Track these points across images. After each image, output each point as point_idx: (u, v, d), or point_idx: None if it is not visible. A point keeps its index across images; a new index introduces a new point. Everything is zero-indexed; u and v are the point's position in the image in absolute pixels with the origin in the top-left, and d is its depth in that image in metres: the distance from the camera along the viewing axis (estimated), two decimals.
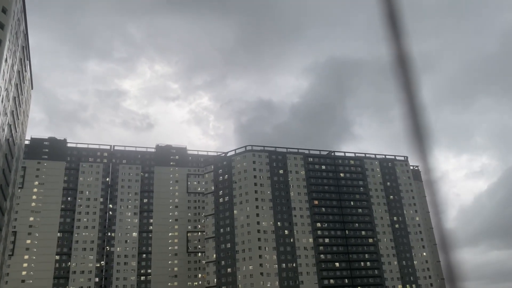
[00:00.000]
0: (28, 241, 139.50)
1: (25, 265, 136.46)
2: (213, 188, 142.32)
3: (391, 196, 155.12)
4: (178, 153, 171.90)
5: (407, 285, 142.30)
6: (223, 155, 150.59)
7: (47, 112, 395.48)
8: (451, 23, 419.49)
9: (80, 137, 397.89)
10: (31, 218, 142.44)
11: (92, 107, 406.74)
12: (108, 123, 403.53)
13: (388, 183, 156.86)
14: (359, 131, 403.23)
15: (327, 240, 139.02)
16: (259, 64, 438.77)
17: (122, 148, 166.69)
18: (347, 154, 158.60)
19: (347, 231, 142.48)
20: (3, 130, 71.46)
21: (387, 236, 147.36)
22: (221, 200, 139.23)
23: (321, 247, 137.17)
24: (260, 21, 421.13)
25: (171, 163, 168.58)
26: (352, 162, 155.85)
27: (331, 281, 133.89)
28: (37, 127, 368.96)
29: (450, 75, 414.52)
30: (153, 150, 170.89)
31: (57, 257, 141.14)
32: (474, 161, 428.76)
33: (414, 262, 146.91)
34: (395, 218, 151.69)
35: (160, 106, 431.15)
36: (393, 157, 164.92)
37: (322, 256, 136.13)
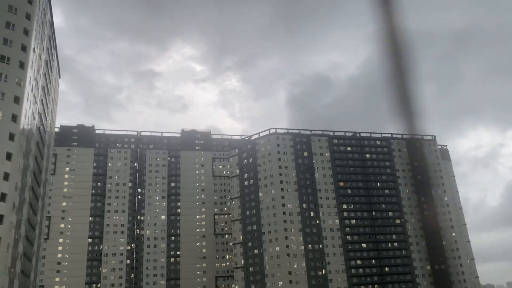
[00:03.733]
0: (62, 225, 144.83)
1: (60, 248, 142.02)
2: (238, 171, 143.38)
3: (419, 176, 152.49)
4: (203, 138, 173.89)
5: (436, 266, 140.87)
6: (247, 138, 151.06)
7: (83, 95, 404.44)
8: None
9: (116, 120, 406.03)
10: (64, 203, 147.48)
11: (127, 89, 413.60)
12: (142, 105, 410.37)
13: (416, 163, 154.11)
14: (415, 107, 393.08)
15: (353, 221, 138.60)
16: (295, 39, 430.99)
17: (149, 134, 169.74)
18: (373, 135, 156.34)
19: (373, 212, 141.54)
20: (34, 118, 73.64)
21: (414, 217, 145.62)
22: (246, 183, 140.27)
23: (347, 228, 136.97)
24: None
25: (196, 147, 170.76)
26: (378, 142, 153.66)
27: (358, 261, 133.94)
28: (73, 110, 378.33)
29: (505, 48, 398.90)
30: (178, 135, 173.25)
31: (90, 241, 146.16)
32: None
33: (443, 242, 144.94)
34: (422, 199, 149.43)
35: (191, 88, 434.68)
36: (420, 136, 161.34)
37: (348, 237, 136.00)
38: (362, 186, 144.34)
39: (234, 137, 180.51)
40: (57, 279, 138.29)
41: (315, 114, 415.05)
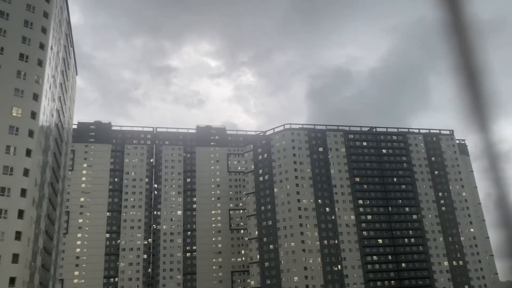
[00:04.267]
0: (80, 220, 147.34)
1: (78, 242, 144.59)
2: (253, 167, 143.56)
3: (436, 172, 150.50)
4: (218, 133, 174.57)
5: (454, 262, 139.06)
6: (261, 134, 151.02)
7: (101, 91, 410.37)
8: None
9: (133, 116, 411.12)
10: (82, 199, 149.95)
11: (144, 85, 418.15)
12: (159, 100, 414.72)
13: (433, 158, 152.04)
14: (436, 101, 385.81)
15: (369, 217, 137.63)
16: (312, 33, 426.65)
17: (165, 130, 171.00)
18: (389, 130, 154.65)
19: (390, 208, 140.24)
20: (52, 115, 74.86)
21: (432, 212, 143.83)
22: (261, 178, 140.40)
23: (363, 224, 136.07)
24: None
25: (212, 143, 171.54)
26: (394, 137, 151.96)
27: (374, 257, 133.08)
28: (91, 106, 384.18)
29: None
30: (194, 131, 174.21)
31: (107, 235, 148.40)
32: None
33: (461, 238, 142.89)
34: (440, 194, 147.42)
35: (206, 83, 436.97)
36: (437, 131, 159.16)
37: (364, 233, 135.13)
38: (378, 182, 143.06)
39: (249, 133, 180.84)
40: (76, 273, 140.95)
41: (334, 108, 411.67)
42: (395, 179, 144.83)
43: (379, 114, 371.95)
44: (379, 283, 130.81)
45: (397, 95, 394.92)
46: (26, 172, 57.50)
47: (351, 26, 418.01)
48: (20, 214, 55.37)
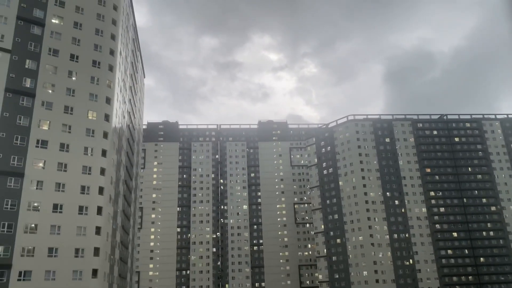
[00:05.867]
0: (153, 216, 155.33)
1: (152, 237, 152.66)
2: (316, 160, 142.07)
3: None
4: (279, 128, 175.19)
5: None
6: (324, 126, 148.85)
7: (170, 90, 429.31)
8: None
9: (200, 112, 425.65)
10: (154, 195, 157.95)
11: (210, 81, 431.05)
12: (225, 95, 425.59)
13: None
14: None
15: (442, 209, 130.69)
16: (379, 17, 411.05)
17: (228, 126, 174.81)
18: (461, 117, 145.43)
19: (465, 199, 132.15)
20: (124, 117, 79.41)
21: None
22: (325, 172, 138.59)
23: (436, 217, 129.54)
24: None
25: (273, 137, 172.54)
26: (468, 125, 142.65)
27: (449, 251, 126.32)
28: (161, 105, 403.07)
29: None
30: (255, 126, 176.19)
31: (178, 229, 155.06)
32: None
33: None
34: None
35: (269, 77, 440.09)
36: None
37: (437, 226, 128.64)
38: (451, 172, 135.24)
39: (311, 126, 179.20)
40: (151, 265, 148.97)
41: (406, 95, 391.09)
42: (469, 168, 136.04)
43: (454, 100, 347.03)
44: (455, 279, 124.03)
45: (484, 75, 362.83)
46: (102, 171, 61.62)
47: (423, 7, 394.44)
48: (99, 210, 59.50)
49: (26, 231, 53.60)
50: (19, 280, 51.49)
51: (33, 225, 54.28)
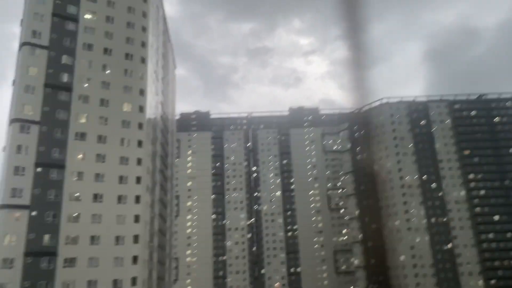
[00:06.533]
0: (189, 203, 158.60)
1: (188, 224, 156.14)
2: (349, 145, 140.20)
3: None
4: (310, 114, 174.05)
5: None
6: (357, 111, 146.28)
7: (202, 78, 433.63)
8: None
9: (232, 99, 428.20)
10: (189, 183, 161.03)
11: (242, 68, 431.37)
12: (256, 82, 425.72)
13: None
14: None
15: (482, 192, 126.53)
16: None
17: (259, 114, 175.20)
18: (502, 96, 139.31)
19: (507, 181, 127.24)
20: (157, 108, 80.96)
21: None
22: (358, 157, 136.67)
23: (476, 200, 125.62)
24: None
25: (305, 124, 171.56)
26: (509, 104, 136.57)
27: (490, 235, 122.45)
28: (194, 94, 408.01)
29: None
30: (286, 113, 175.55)
31: (213, 216, 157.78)
32: None
33: None
34: None
35: (300, 61, 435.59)
36: None
37: (478, 209, 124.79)
38: (492, 154, 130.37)
39: (343, 111, 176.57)
40: (188, 252, 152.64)
41: (454, 72, 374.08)
42: (510, 150, 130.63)
43: (498, 78, 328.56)
44: (497, 263, 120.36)
45: None
46: (139, 162, 63.30)
47: None
48: (137, 199, 61.34)
49: (70, 221, 56.05)
50: (64, 267, 54.11)
51: (75, 214, 56.68)
